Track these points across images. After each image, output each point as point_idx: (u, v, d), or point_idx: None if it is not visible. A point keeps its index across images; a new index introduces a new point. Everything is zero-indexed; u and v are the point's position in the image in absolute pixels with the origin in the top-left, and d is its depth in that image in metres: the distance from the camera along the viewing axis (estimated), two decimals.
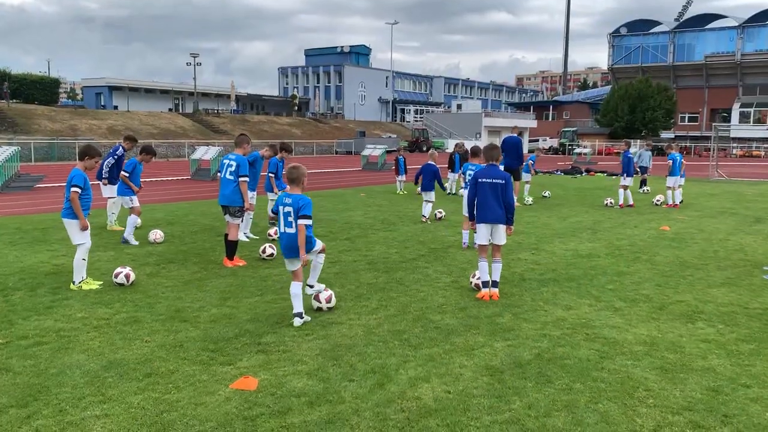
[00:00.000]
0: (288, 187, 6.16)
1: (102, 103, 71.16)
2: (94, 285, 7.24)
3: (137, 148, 11.66)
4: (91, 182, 7.52)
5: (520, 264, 8.88)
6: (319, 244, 6.37)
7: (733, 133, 61.73)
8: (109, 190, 11.49)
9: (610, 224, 13.02)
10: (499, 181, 7.02)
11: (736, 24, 77.11)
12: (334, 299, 6.51)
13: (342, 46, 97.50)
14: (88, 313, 6.26)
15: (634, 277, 8.14)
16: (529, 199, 16.95)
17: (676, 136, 71.52)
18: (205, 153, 25.64)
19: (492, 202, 6.97)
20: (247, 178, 8.70)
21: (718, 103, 77.87)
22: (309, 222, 5.95)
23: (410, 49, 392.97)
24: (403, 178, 20.33)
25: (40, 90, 62.53)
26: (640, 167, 20.56)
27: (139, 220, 11.17)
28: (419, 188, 13.33)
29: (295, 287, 6.02)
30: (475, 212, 7.15)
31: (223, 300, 6.83)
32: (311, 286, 6.56)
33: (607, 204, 16.23)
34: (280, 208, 6.01)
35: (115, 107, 66.48)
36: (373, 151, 34.05)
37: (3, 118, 45.48)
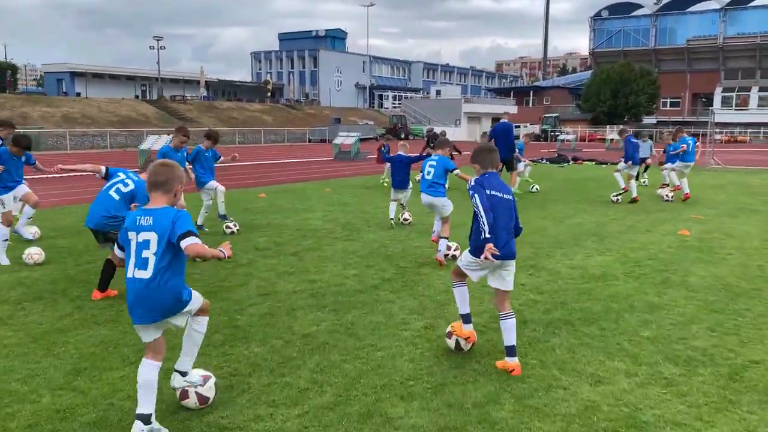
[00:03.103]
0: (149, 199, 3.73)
1: (64, 90, 67.52)
2: None
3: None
4: None
5: (517, 293, 6.64)
6: (197, 300, 3.88)
7: (724, 118, 60.21)
8: None
9: (617, 227, 10.87)
10: (510, 197, 4.81)
11: (719, 7, 75.61)
12: (213, 390, 3.99)
13: (317, 30, 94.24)
14: None
15: (673, 313, 5.96)
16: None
17: (658, 121, 70.05)
18: (156, 142, 23.09)
19: (502, 229, 4.65)
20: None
21: (700, 87, 76.54)
22: (196, 241, 3.56)
23: (391, 35, 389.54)
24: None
25: None
26: (641, 158, 18.48)
27: (32, 231, 9.08)
28: (384, 177, 11.02)
29: (149, 370, 3.63)
30: (473, 238, 4.74)
31: (75, 373, 4.50)
32: (182, 374, 3.95)
33: (614, 200, 14.05)
34: (131, 234, 3.60)
35: (78, 94, 62.94)
36: (346, 139, 31.63)
37: None
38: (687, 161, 14.47)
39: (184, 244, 3.50)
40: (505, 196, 4.74)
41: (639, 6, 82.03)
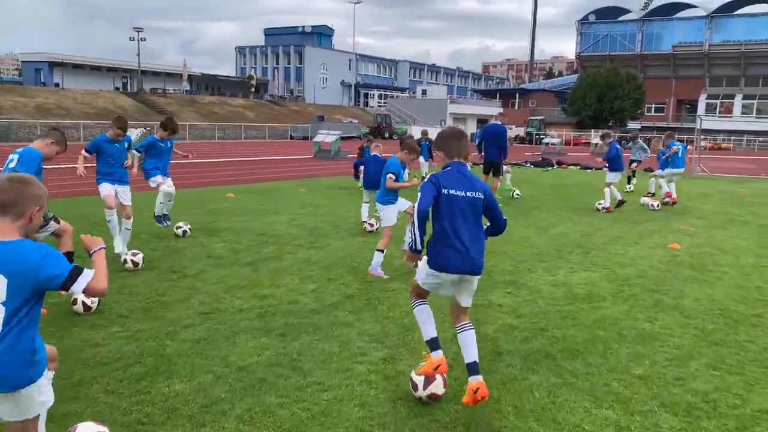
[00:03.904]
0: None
1: (42, 80, 65.77)
2: None
3: None
4: None
5: (492, 316, 5.91)
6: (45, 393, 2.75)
7: (708, 125, 60.22)
8: None
9: (602, 238, 10.19)
10: (478, 194, 4.03)
11: (705, 14, 75.72)
12: None
13: (303, 26, 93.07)
14: None
15: (668, 345, 5.25)
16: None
17: (642, 126, 69.95)
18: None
19: (466, 235, 3.95)
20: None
21: (684, 93, 76.62)
22: (89, 274, 2.62)
23: (380, 34, 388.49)
24: None
25: None
26: (632, 160, 17.87)
27: None
28: (360, 182, 10.21)
29: None
30: (429, 247, 4.07)
31: None
32: None
33: (599, 209, 13.38)
34: None
35: (57, 85, 61.30)
36: (326, 137, 30.77)
37: None
38: (677, 167, 13.83)
39: (79, 288, 2.61)
40: (469, 194, 3.99)
41: (626, 11, 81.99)
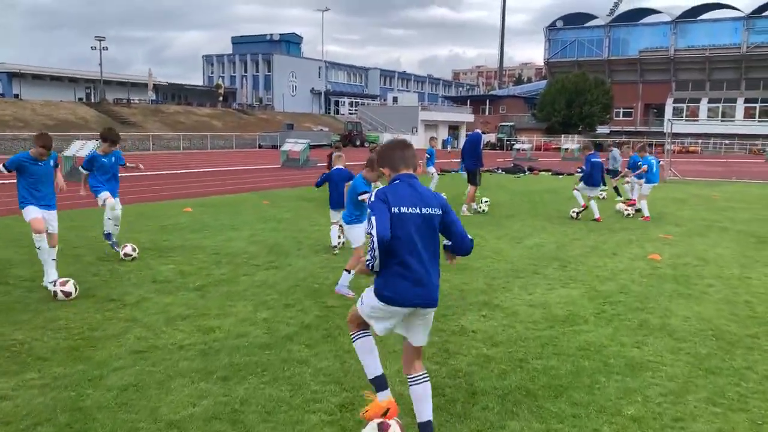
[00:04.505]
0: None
1: (0, 91, 63.69)
2: None
3: None
4: None
5: (465, 345, 5.30)
6: None
7: (676, 128, 60.90)
8: None
9: (579, 249, 9.70)
10: (434, 210, 3.44)
11: (669, 19, 76.88)
12: None
13: (272, 34, 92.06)
14: None
15: (660, 375, 4.70)
16: (466, 209, 13.54)
17: (611, 131, 70.57)
18: (81, 148, 21.07)
19: (420, 260, 3.37)
20: None
21: (651, 98, 77.65)
22: None
23: (351, 42, 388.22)
24: None
25: None
26: (610, 170, 17.12)
27: None
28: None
29: None
30: (384, 276, 3.44)
31: None
32: None
33: (574, 216, 12.93)
34: None
35: (16, 96, 59.35)
36: (294, 145, 30.02)
37: None
38: (651, 182, 13.40)
39: None
40: (423, 210, 3.40)
41: (593, 17, 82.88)
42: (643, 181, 13.54)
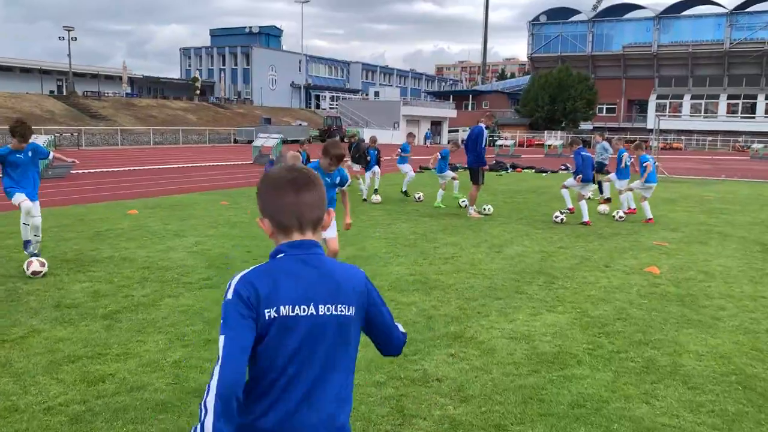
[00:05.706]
0: None
1: None
2: None
3: None
4: None
5: (427, 401, 4.09)
6: None
7: (660, 124, 60.33)
8: None
9: (566, 260, 8.55)
10: (344, 309, 1.85)
11: (653, 15, 76.35)
12: None
13: (251, 27, 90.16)
14: None
15: None
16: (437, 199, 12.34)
17: (594, 127, 69.87)
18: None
19: (314, 393, 1.80)
20: None
21: (635, 93, 77.12)
22: None
23: (335, 37, 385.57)
24: None
25: None
26: (599, 163, 15.93)
27: None
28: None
29: None
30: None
31: None
32: None
33: (558, 220, 11.81)
34: None
35: None
36: (267, 140, 28.64)
37: None
38: (649, 182, 12.27)
39: None
40: (328, 309, 1.83)
41: (576, 12, 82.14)
42: (643, 180, 12.48)
